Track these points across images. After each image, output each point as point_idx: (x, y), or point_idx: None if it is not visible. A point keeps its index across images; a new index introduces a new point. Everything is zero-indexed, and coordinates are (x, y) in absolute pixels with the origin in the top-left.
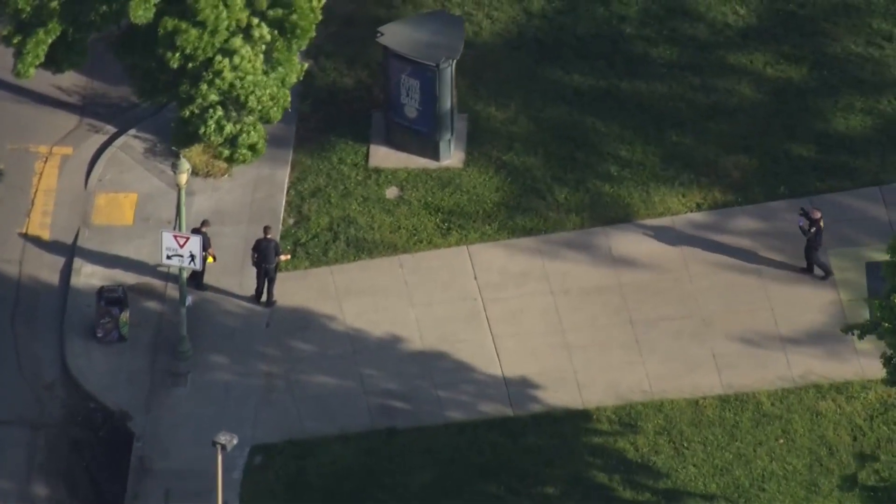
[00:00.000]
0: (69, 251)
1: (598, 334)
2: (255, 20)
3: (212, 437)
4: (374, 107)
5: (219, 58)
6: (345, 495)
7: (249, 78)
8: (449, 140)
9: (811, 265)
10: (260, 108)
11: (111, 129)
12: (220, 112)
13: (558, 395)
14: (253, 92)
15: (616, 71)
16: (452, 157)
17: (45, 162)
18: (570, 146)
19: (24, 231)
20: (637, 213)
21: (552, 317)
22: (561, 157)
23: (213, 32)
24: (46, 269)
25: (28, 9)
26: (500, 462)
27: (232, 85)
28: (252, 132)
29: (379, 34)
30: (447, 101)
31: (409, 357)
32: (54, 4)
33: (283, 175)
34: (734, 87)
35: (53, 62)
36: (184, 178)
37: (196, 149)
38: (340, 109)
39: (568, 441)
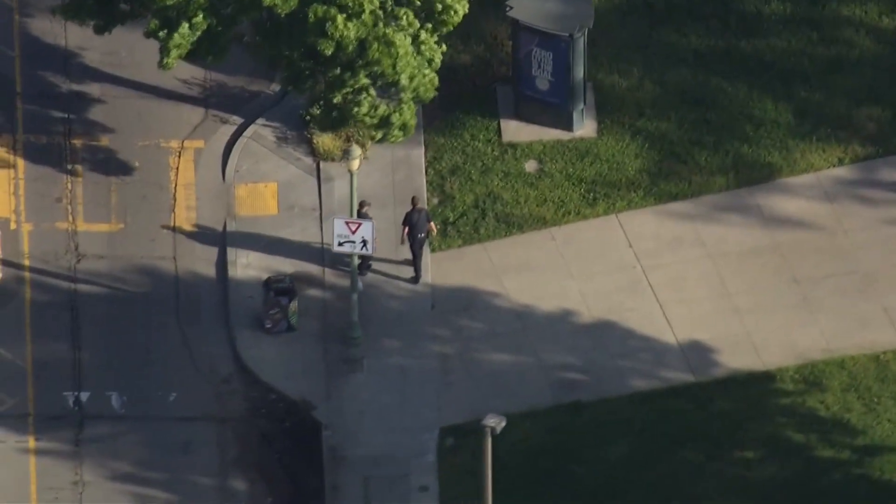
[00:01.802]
0: (220, 244)
1: (765, 295)
2: (401, 10)
3: (399, 422)
4: (496, 81)
5: (376, 45)
6: (543, 472)
7: (402, 60)
8: (582, 110)
9: None
10: (413, 86)
11: (237, 120)
12: (373, 93)
13: (737, 358)
14: (405, 71)
15: (732, 30)
16: (585, 126)
17: (179, 156)
18: (701, 108)
19: (171, 227)
20: (780, 172)
21: (715, 280)
22: (693, 120)
23: (358, 15)
24: (201, 263)
25: (174, 4)
26: (692, 429)
27: (386, 69)
28: (405, 110)
29: (508, 7)
30: (580, 70)
31: (580, 329)
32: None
33: (419, 155)
34: (853, 39)
35: (197, 55)
36: (356, 164)
37: (326, 134)
38: (463, 86)
39: (756, 404)
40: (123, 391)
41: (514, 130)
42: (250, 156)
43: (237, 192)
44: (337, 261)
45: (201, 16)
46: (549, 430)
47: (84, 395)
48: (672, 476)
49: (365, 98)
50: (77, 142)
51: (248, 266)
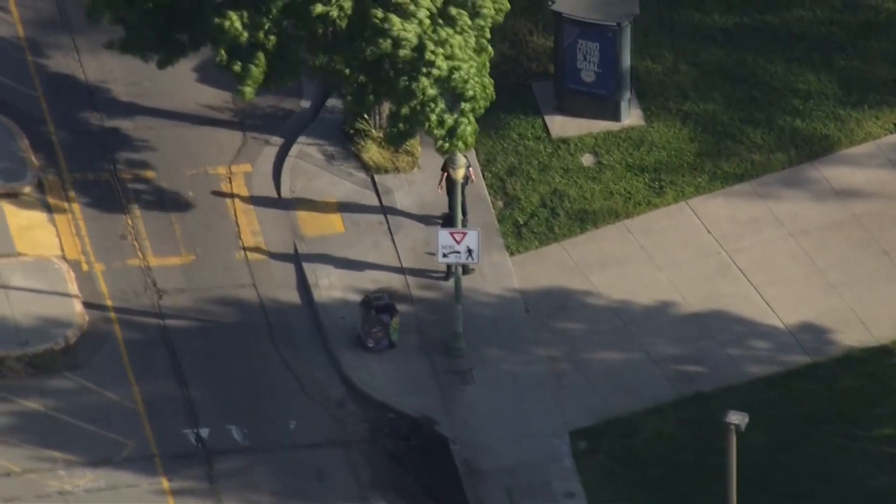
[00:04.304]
0: (295, 266)
1: (857, 269)
2: (454, 9)
3: (524, 430)
4: (529, 77)
5: (430, 46)
6: (686, 465)
7: (465, 67)
8: (629, 99)
9: None
10: (485, 95)
11: (277, 140)
12: (441, 105)
13: (848, 335)
14: (468, 80)
15: (754, 4)
16: (631, 115)
17: (230, 182)
18: (744, 87)
19: (242, 254)
20: (839, 143)
21: (803, 259)
22: (739, 99)
23: (413, 16)
24: (282, 288)
25: (245, 33)
26: (824, 410)
27: (449, 75)
28: (468, 123)
29: (551, 2)
30: (627, 59)
31: (681, 320)
32: (267, 23)
33: (471, 159)
34: (879, 3)
35: (273, 80)
36: (461, 172)
37: (373, 146)
38: (496, 85)
39: (882, 379)
40: (242, 424)
41: (561, 125)
42: (302, 175)
43: (298, 212)
44: (418, 272)
45: (272, 40)
46: (679, 423)
47: (204, 431)
48: (818, 459)
49: (431, 109)
50: (125, 176)
51: (331, 287)
